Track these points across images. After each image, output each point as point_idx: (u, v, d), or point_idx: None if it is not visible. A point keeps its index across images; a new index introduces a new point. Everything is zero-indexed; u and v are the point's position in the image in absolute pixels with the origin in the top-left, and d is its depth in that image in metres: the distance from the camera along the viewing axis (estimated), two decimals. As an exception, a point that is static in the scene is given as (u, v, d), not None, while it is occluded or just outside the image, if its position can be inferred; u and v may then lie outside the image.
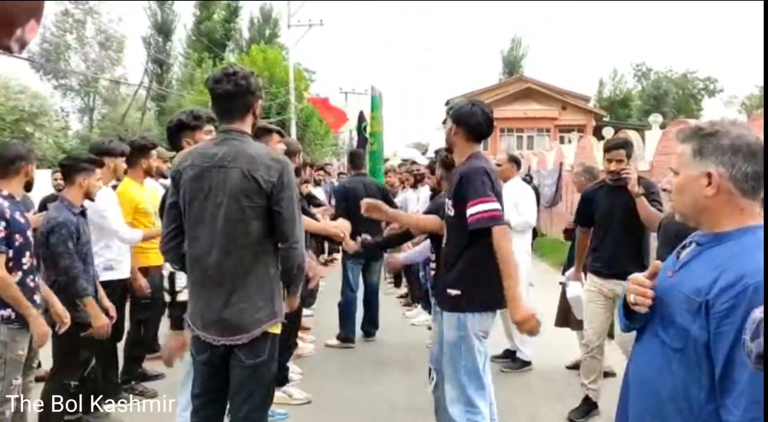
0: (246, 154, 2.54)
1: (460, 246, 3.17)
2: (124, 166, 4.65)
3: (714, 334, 1.43)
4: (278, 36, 40.56)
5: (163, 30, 39.21)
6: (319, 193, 10.06)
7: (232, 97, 2.59)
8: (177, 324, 2.80)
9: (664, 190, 1.72)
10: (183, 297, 2.77)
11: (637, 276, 1.67)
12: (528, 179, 12.19)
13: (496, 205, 3.04)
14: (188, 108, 3.73)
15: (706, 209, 1.56)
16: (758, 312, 1.21)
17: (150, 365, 5.20)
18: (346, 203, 6.01)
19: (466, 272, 3.08)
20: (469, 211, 3.04)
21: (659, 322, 1.60)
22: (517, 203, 5.34)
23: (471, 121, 3.24)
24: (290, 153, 4.69)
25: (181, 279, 2.78)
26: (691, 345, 1.49)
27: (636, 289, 1.64)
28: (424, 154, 24.59)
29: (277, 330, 2.65)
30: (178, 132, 3.42)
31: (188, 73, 34.38)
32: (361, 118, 10.26)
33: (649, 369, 1.63)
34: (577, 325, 5.29)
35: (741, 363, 1.35)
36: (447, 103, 40.02)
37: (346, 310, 6.48)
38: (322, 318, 7.22)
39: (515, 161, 5.70)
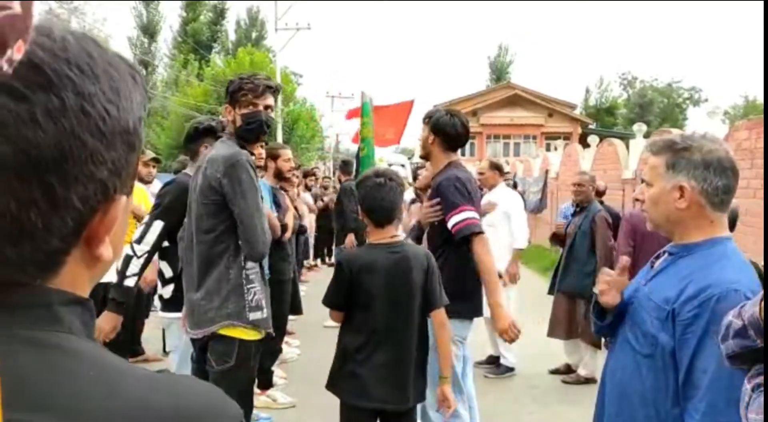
0: (211, 155, 2.63)
1: (437, 255, 3.20)
2: None
3: (679, 341, 1.50)
4: (265, 38, 40.54)
5: (149, 31, 39.06)
6: (308, 198, 10.10)
7: None
8: (114, 307, 2.82)
9: (637, 199, 1.78)
10: (129, 282, 2.83)
11: (607, 269, 1.79)
12: (513, 185, 12.29)
13: (472, 214, 3.10)
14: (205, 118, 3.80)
15: (678, 220, 1.63)
16: (730, 316, 1.26)
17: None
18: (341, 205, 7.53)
19: (444, 282, 3.10)
20: (449, 224, 3.11)
21: (630, 329, 1.67)
22: (507, 213, 5.38)
23: (450, 132, 3.29)
24: (273, 156, 4.72)
25: (134, 266, 2.83)
26: (660, 352, 1.55)
27: (602, 278, 1.74)
28: (410, 158, 24.62)
29: (246, 336, 2.60)
30: (204, 135, 3.40)
31: (173, 74, 34.24)
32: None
33: (621, 374, 1.69)
34: (565, 335, 5.37)
35: (702, 369, 1.42)
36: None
37: None
38: (306, 323, 7.22)
39: (497, 168, 5.73)
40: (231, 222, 2.56)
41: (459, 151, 3.48)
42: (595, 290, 1.77)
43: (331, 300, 2.63)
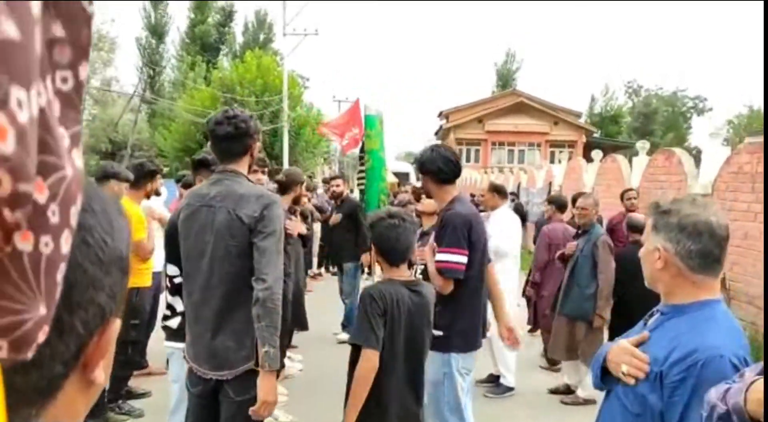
0: (235, 194, 2.61)
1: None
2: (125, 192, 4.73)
3: (666, 404, 1.56)
4: (272, 41, 40.62)
5: (157, 32, 39.18)
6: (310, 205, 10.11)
7: (231, 139, 2.68)
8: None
9: None
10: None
11: (633, 349, 1.68)
12: (513, 197, 12.31)
13: (453, 258, 3.18)
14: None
15: (659, 280, 1.71)
16: (714, 398, 1.29)
17: (136, 382, 5.23)
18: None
19: (447, 315, 3.16)
20: (437, 257, 3.21)
21: (622, 386, 1.71)
22: (503, 231, 5.43)
23: (432, 168, 3.37)
24: (292, 183, 4.81)
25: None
26: (649, 411, 1.61)
27: (633, 362, 1.65)
28: (413, 164, 24.64)
29: None
30: (198, 167, 3.42)
31: (181, 76, 34.30)
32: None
33: None
34: (565, 357, 5.43)
35: None
36: (439, 115, 40.07)
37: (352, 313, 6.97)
38: (309, 336, 7.24)
39: (497, 190, 5.68)
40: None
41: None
42: (622, 369, 1.68)
43: (367, 337, 2.54)
